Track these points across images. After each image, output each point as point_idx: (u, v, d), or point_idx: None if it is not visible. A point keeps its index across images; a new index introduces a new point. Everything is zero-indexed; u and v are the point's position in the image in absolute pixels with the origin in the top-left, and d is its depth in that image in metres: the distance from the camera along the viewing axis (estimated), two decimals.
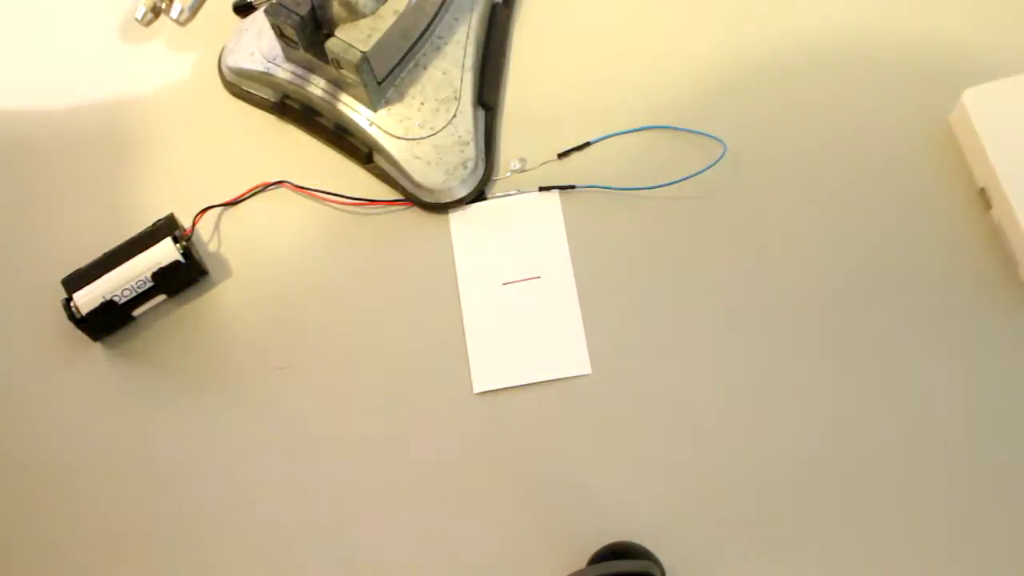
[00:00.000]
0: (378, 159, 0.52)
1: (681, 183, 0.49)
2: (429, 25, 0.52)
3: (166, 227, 0.50)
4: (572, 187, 0.51)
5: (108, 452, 0.48)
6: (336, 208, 0.52)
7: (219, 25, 0.56)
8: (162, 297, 0.50)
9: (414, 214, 0.51)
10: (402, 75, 0.51)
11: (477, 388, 0.47)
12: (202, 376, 0.49)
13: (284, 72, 0.52)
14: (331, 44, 0.47)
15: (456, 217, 0.51)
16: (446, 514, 0.45)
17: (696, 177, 0.49)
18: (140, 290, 0.48)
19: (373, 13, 0.48)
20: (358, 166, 0.53)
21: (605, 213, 0.50)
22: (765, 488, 0.44)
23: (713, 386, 0.46)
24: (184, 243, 0.49)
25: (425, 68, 0.51)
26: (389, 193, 0.52)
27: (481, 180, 0.51)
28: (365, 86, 0.49)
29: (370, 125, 0.51)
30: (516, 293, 0.49)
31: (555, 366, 0.47)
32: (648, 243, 0.49)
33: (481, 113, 0.52)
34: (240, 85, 0.55)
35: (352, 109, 0.51)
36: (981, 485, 0.43)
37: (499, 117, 0.53)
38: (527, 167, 0.52)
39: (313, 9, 0.48)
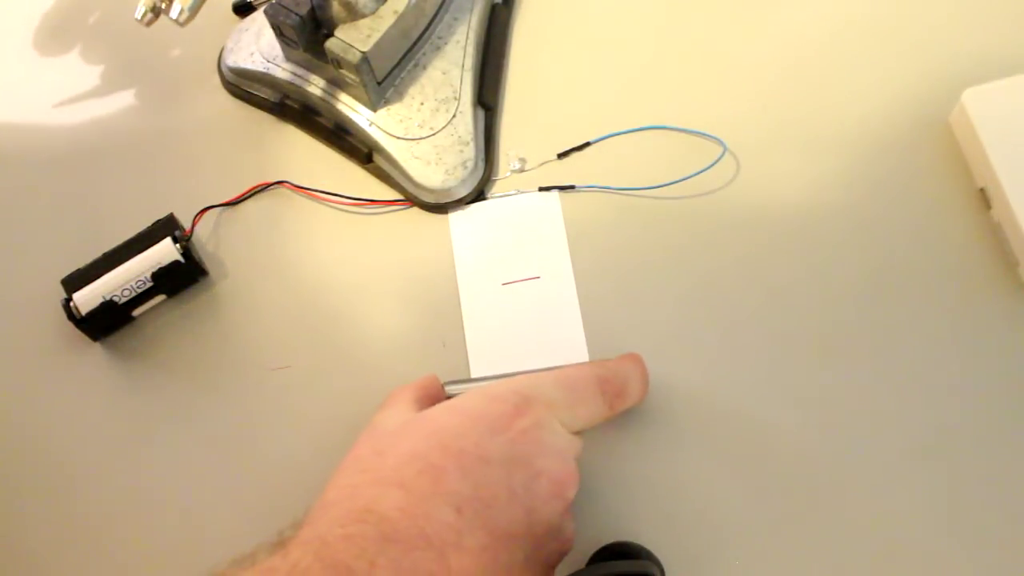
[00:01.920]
0: (378, 159, 0.52)
1: (681, 183, 0.49)
2: (429, 25, 0.52)
3: (166, 227, 0.50)
4: (572, 187, 0.51)
5: (108, 452, 0.48)
6: (336, 208, 0.52)
7: (219, 25, 0.56)
8: (162, 297, 0.50)
9: (414, 214, 0.51)
10: (402, 75, 0.51)
11: None
12: (202, 376, 0.49)
13: (284, 72, 0.52)
14: (331, 44, 0.47)
15: (456, 217, 0.51)
16: None
17: (696, 177, 0.49)
18: (140, 290, 0.48)
19: (373, 13, 0.48)
20: (358, 166, 0.53)
21: (605, 213, 0.50)
22: (766, 488, 0.44)
23: (713, 386, 0.46)
24: (184, 243, 0.49)
25: (425, 68, 0.51)
26: (389, 193, 0.52)
27: (481, 180, 0.51)
28: (365, 86, 0.49)
29: (370, 125, 0.51)
30: (516, 293, 0.49)
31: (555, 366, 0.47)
32: (648, 243, 0.49)
33: (481, 113, 0.52)
34: (240, 85, 0.55)
35: (352, 109, 0.51)
36: (982, 485, 0.43)
37: (499, 117, 0.53)
38: (527, 167, 0.52)
39: (313, 9, 0.48)
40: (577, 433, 0.40)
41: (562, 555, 0.38)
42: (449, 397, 0.43)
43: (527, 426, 0.37)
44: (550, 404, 0.39)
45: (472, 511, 0.35)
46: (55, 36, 0.59)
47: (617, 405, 0.42)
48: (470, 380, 0.46)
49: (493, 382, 0.40)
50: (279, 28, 0.49)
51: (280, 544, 0.34)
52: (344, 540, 0.33)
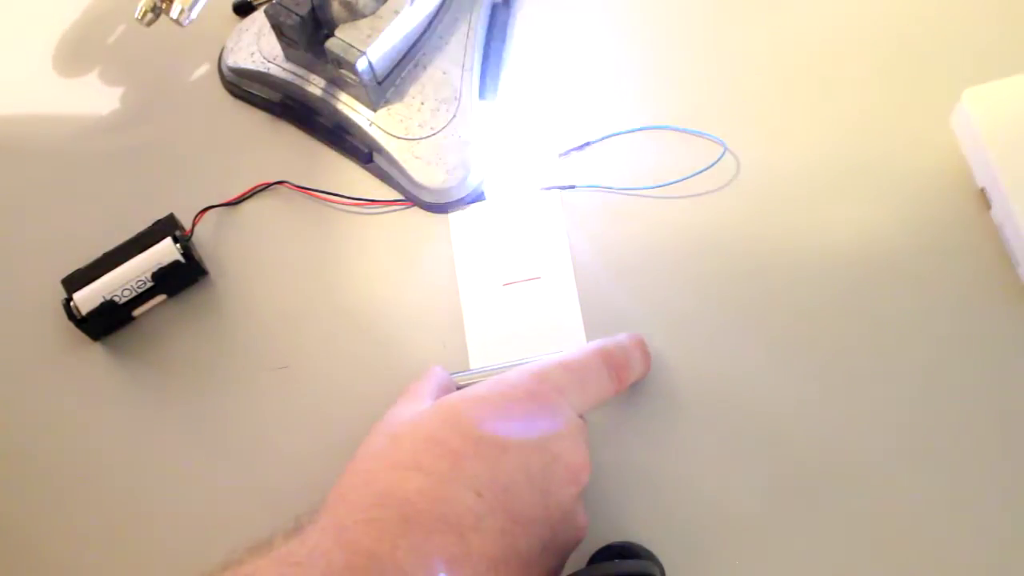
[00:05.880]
0: (378, 159, 0.52)
1: (681, 183, 0.49)
2: (429, 25, 0.52)
3: (166, 227, 0.50)
4: (572, 187, 0.51)
5: (108, 452, 0.48)
6: (336, 208, 0.52)
7: (219, 25, 0.56)
8: (162, 297, 0.50)
9: (414, 214, 0.51)
10: (402, 75, 0.51)
11: None
12: (202, 376, 0.49)
13: (284, 72, 0.52)
14: (331, 44, 0.47)
15: (456, 217, 0.51)
16: None
17: (696, 177, 0.49)
18: (140, 290, 0.48)
19: (373, 13, 0.48)
20: (358, 166, 0.53)
21: (605, 213, 0.50)
22: (766, 488, 0.44)
23: (714, 386, 0.46)
24: (184, 243, 0.49)
25: (425, 68, 0.51)
26: (389, 193, 0.52)
27: (481, 180, 0.51)
28: (365, 86, 0.49)
29: (370, 125, 0.51)
30: (516, 294, 0.49)
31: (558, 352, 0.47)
32: (649, 243, 0.49)
33: (481, 113, 0.52)
34: (240, 85, 0.55)
35: (352, 109, 0.51)
36: (982, 486, 0.43)
37: (499, 117, 0.53)
38: (527, 167, 0.52)
39: (313, 9, 0.48)
40: (580, 417, 0.40)
41: (577, 543, 0.39)
42: (459, 387, 0.44)
43: (541, 412, 0.38)
44: (560, 389, 0.39)
45: (492, 495, 0.35)
46: (54, 36, 0.59)
47: (624, 378, 0.43)
48: (475, 371, 0.46)
49: (505, 371, 0.41)
50: (279, 28, 0.49)
51: (298, 530, 0.34)
52: (365, 524, 0.33)
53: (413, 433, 0.37)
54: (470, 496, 0.35)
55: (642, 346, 0.45)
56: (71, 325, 0.48)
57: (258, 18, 0.55)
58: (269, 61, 0.52)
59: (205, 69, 0.56)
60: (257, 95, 0.54)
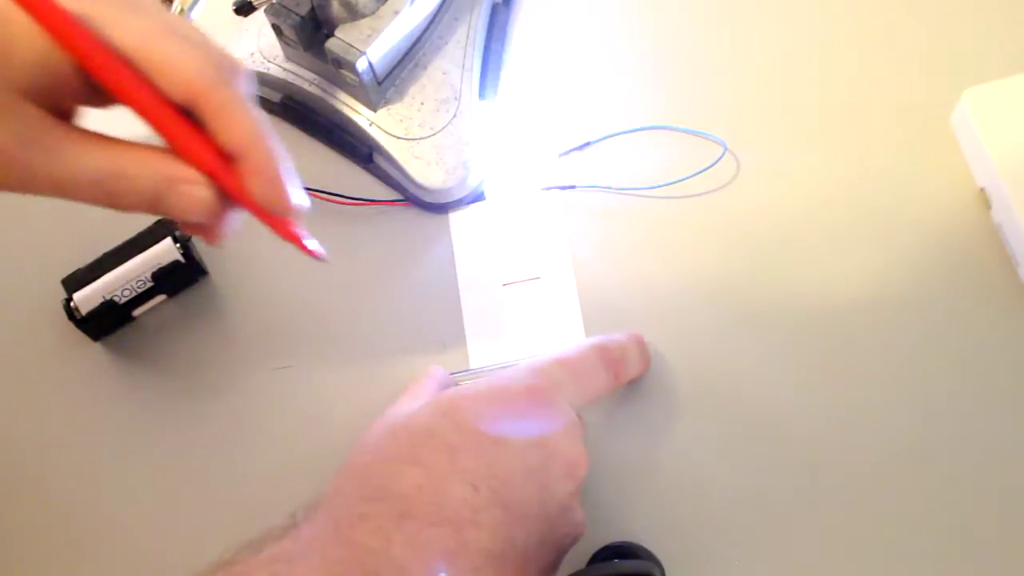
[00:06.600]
0: (378, 159, 0.52)
1: (681, 183, 0.49)
2: (429, 25, 0.52)
3: (166, 227, 0.50)
4: (572, 187, 0.51)
5: (108, 452, 0.48)
6: (336, 208, 0.52)
7: (219, 25, 0.56)
8: (162, 297, 0.50)
9: (414, 214, 0.51)
10: (402, 75, 0.51)
11: None
12: (202, 376, 0.49)
13: (284, 72, 0.52)
14: (331, 44, 0.47)
15: (456, 217, 0.51)
16: None
17: (696, 177, 0.49)
18: (140, 290, 0.48)
19: (373, 13, 0.48)
20: (358, 166, 0.53)
21: (605, 213, 0.50)
22: (766, 488, 0.44)
23: (714, 385, 0.46)
24: (184, 243, 0.49)
25: (425, 68, 0.51)
26: (389, 193, 0.52)
27: (481, 180, 0.51)
28: (365, 86, 0.49)
29: (370, 125, 0.51)
30: (516, 294, 0.49)
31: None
32: (649, 243, 0.49)
33: (481, 113, 0.52)
34: None
35: (352, 109, 0.51)
36: (982, 486, 0.43)
37: (499, 117, 0.53)
38: (527, 167, 0.52)
39: (313, 9, 0.48)
40: (577, 414, 0.41)
41: (574, 540, 0.39)
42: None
43: (538, 408, 0.38)
44: (558, 385, 0.40)
45: (488, 489, 0.35)
46: None
47: (621, 374, 0.43)
48: (475, 371, 0.47)
49: (502, 370, 0.41)
50: (279, 28, 0.49)
51: (293, 526, 0.34)
52: (360, 519, 0.33)
53: (410, 428, 0.37)
54: (466, 490, 0.35)
55: (640, 343, 0.45)
56: (71, 325, 0.48)
57: (258, 18, 0.55)
58: (269, 61, 0.52)
59: None
60: (257, 95, 0.54)
